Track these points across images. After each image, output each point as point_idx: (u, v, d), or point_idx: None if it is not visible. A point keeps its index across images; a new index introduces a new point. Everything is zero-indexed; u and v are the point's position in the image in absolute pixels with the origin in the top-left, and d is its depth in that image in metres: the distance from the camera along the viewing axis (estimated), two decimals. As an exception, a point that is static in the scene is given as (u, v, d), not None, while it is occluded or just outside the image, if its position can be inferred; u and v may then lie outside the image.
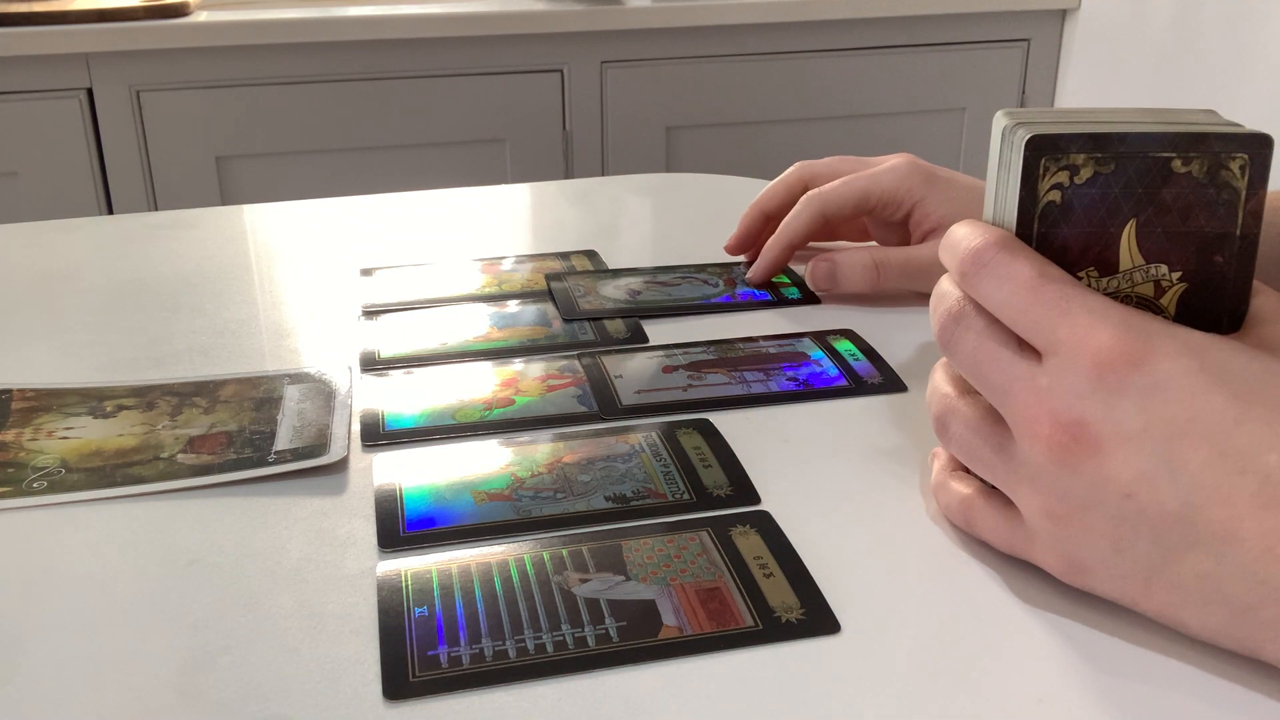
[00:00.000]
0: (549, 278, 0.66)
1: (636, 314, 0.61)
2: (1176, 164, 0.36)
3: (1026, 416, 0.35)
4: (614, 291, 0.64)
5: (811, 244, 0.72)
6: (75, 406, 0.51)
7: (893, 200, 0.63)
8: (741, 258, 0.70)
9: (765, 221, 0.68)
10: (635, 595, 0.37)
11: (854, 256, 0.62)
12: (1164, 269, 0.37)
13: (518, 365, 0.55)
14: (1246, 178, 0.36)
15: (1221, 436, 0.32)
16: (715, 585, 0.38)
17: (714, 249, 0.71)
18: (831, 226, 0.67)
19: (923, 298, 0.62)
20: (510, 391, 0.52)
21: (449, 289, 0.65)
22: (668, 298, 0.64)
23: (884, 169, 0.63)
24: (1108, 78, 1.85)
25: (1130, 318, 0.34)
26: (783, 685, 0.34)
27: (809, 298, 0.64)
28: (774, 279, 0.66)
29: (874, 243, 0.70)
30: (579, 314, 0.61)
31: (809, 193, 0.65)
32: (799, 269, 0.67)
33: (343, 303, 0.64)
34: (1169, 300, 0.37)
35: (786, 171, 0.68)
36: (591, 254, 0.71)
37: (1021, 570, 0.38)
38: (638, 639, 0.35)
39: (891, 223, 0.65)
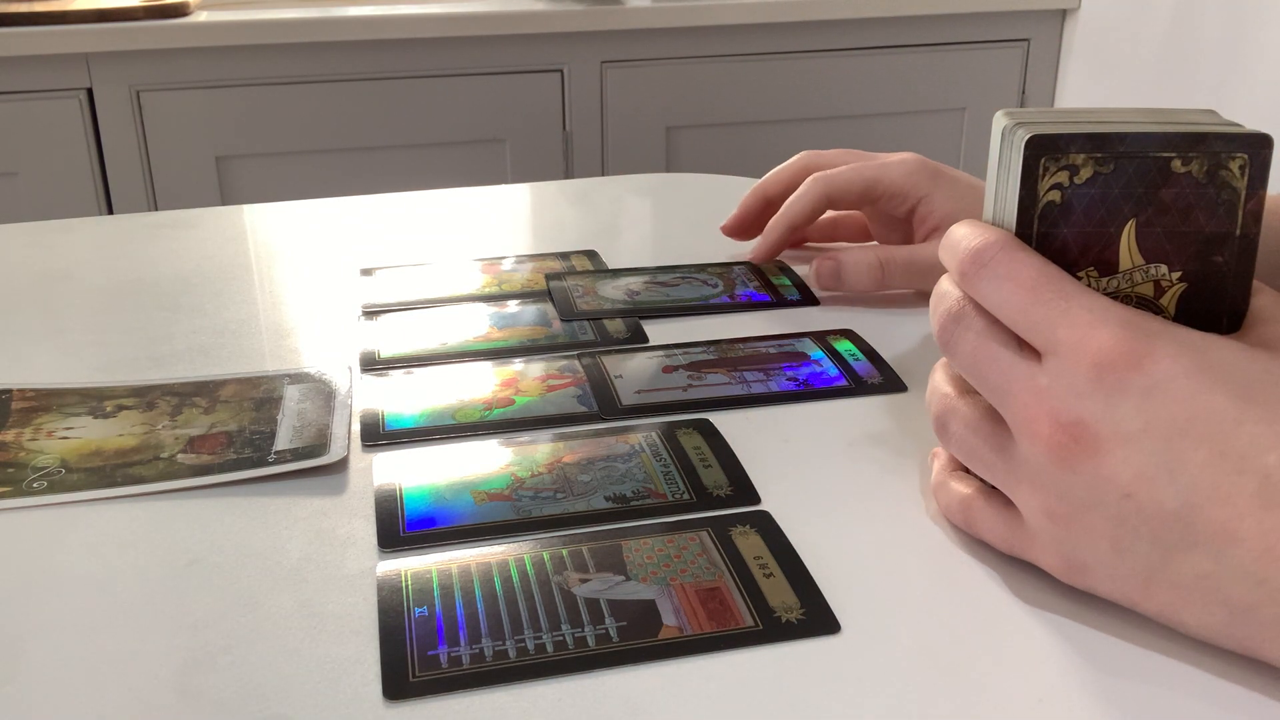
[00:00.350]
0: (548, 277, 0.66)
1: (635, 314, 0.61)
2: (1176, 164, 0.36)
3: (1026, 416, 0.35)
4: (613, 292, 0.64)
5: (811, 244, 0.72)
6: (75, 406, 0.51)
7: (899, 193, 0.63)
8: (743, 256, 0.70)
9: (766, 206, 0.68)
10: (635, 595, 0.37)
11: (859, 255, 0.62)
12: (1164, 269, 0.37)
13: (518, 365, 0.55)
14: (1246, 178, 0.36)
15: (1221, 436, 0.32)
16: (715, 585, 0.38)
17: (714, 249, 0.71)
18: (835, 215, 0.67)
19: (923, 297, 0.62)
20: (510, 391, 0.52)
21: (449, 289, 0.65)
22: (666, 298, 0.64)
23: (893, 161, 0.64)
24: (1108, 78, 1.85)
25: (1130, 318, 0.34)
26: (783, 685, 0.34)
27: (808, 299, 0.64)
28: (773, 280, 0.66)
29: (875, 242, 0.70)
30: (577, 314, 0.61)
31: (815, 174, 0.65)
32: (800, 269, 0.67)
33: (343, 303, 0.64)
34: (1169, 300, 0.37)
35: (792, 159, 0.69)
36: (591, 254, 0.71)
37: (1021, 570, 0.38)
38: (638, 639, 0.35)
39: (894, 218, 0.65)
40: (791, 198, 0.65)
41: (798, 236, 0.71)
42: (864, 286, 0.62)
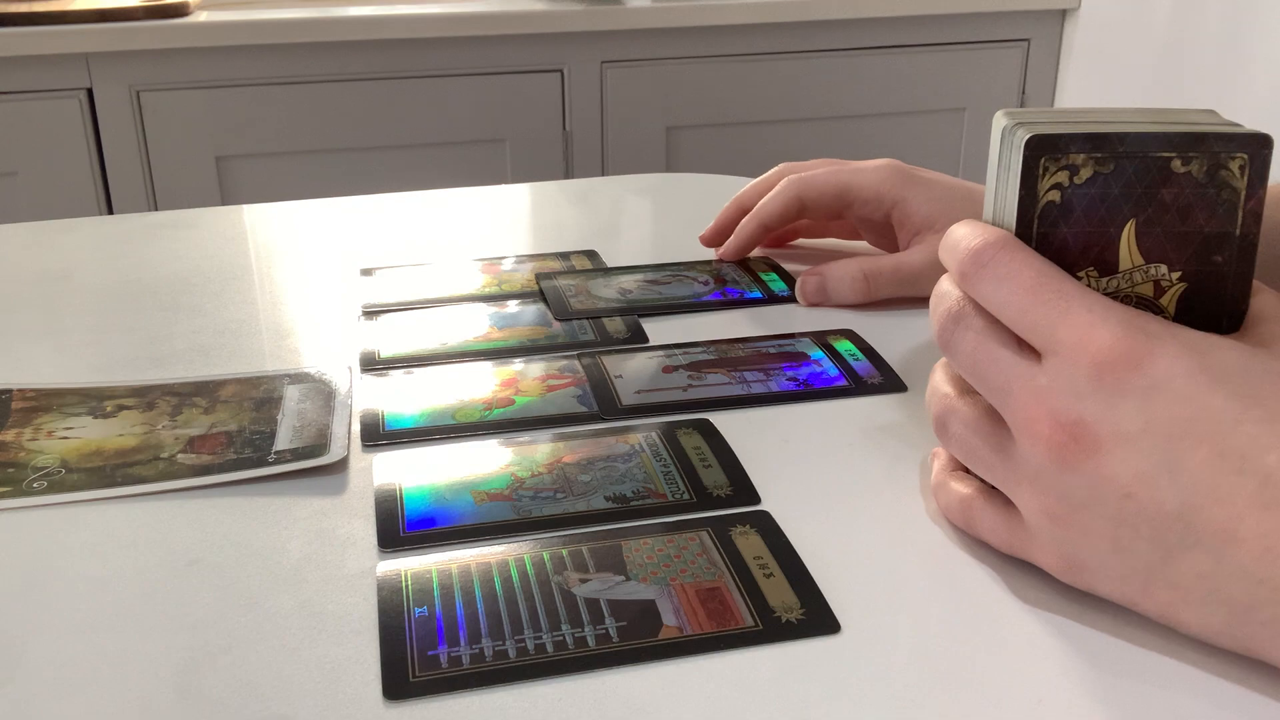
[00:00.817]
0: (540, 277, 0.66)
1: (629, 313, 0.61)
2: (1176, 164, 0.36)
3: (1026, 416, 0.35)
4: (606, 291, 0.64)
5: (802, 241, 0.72)
6: (75, 406, 0.51)
7: (873, 198, 0.63)
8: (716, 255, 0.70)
9: (743, 216, 0.68)
10: (635, 595, 0.37)
11: (843, 269, 0.62)
12: (1164, 269, 0.37)
13: (518, 365, 0.55)
14: (1246, 178, 0.36)
15: (1221, 437, 0.32)
16: (715, 585, 0.38)
17: (713, 249, 0.71)
18: (810, 216, 0.67)
19: (922, 297, 0.62)
20: (510, 391, 0.52)
21: (449, 289, 0.65)
22: (659, 296, 0.64)
23: (867, 167, 0.64)
24: (1108, 78, 1.85)
25: (1130, 318, 0.34)
26: (783, 685, 0.34)
27: None
28: (761, 275, 0.66)
29: (864, 242, 0.70)
30: (571, 313, 0.61)
31: (790, 176, 0.65)
32: (789, 268, 0.67)
33: (343, 303, 0.64)
34: (1169, 300, 0.37)
35: (770, 171, 0.69)
36: (591, 254, 0.71)
37: (1021, 570, 0.38)
38: (638, 639, 0.35)
39: (874, 221, 0.65)
40: (766, 197, 0.65)
41: (783, 235, 0.71)
42: (850, 300, 0.62)
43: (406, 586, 0.38)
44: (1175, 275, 0.37)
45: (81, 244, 0.76)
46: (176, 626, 0.36)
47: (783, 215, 0.65)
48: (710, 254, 0.70)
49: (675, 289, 0.65)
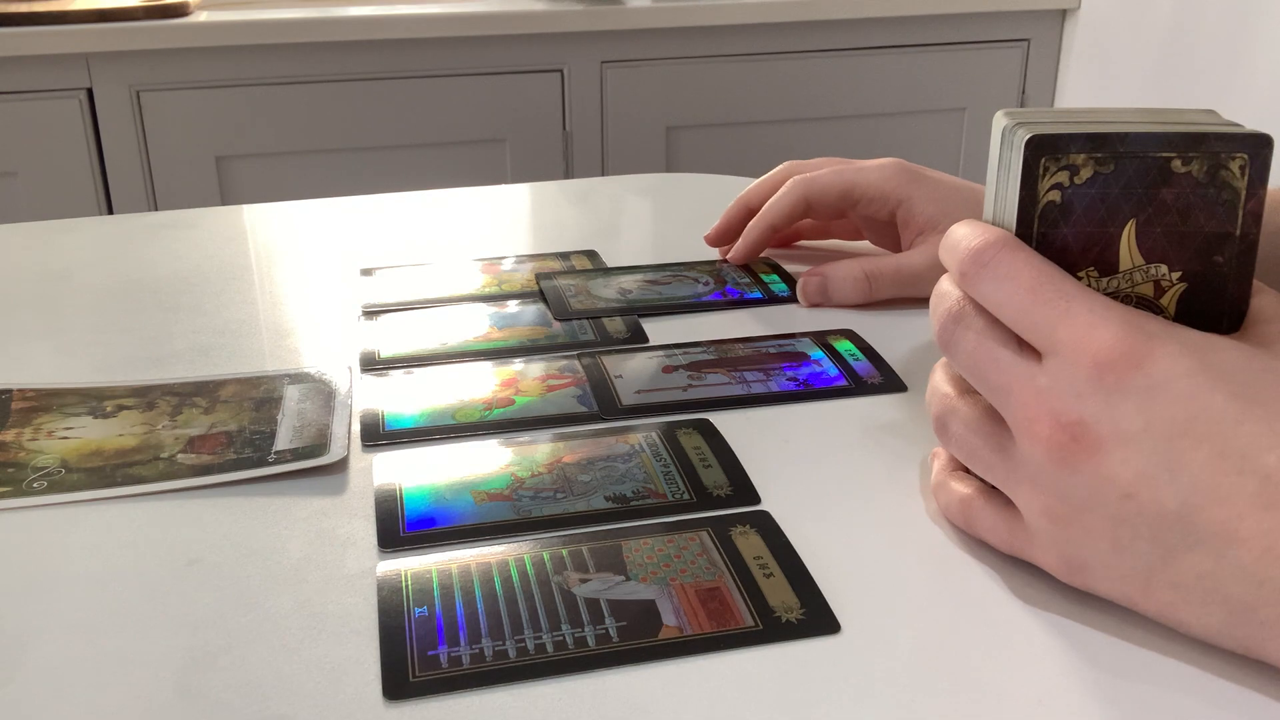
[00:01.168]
0: (539, 277, 0.66)
1: (629, 313, 0.61)
2: (1176, 164, 0.36)
3: (1026, 416, 0.35)
4: (606, 290, 0.64)
5: (804, 242, 0.72)
6: (75, 406, 0.51)
7: (879, 197, 0.63)
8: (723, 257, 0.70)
9: (748, 215, 0.68)
10: (635, 595, 0.37)
11: (845, 269, 0.62)
12: (1164, 269, 0.37)
13: (518, 365, 0.55)
14: (1246, 178, 0.36)
15: (1221, 436, 0.32)
16: (715, 585, 0.38)
17: (713, 249, 0.71)
18: (815, 216, 0.67)
19: (923, 298, 0.62)
20: (510, 391, 0.52)
21: (449, 289, 0.65)
22: (659, 296, 0.64)
23: (872, 166, 0.64)
24: (1108, 78, 1.85)
25: (1130, 318, 0.34)
26: (783, 685, 0.34)
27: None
28: (762, 276, 0.66)
29: (866, 242, 0.70)
30: (571, 313, 0.61)
31: (795, 177, 0.65)
32: (791, 269, 0.67)
33: (343, 303, 0.64)
34: (1169, 300, 0.37)
35: (774, 170, 0.69)
36: (592, 254, 0.71)
37: (1021, 570, 0.38)
38: (638, 639, 0.35)
39: (878, 221, 0.65)
40: (771, 199, 0.65)
41: (786, 236, 0.71)
42: (851, 300, 0.62)
43: (406, 586, 0.38)
44: (1175, 275, 0.37)
45: (81, 244, 0.76)
46: (176, 626, 0.36)
47: (790, 216, 0.65)
48: (711, 254, 0.70)
49: (675, 289, 0.65)
